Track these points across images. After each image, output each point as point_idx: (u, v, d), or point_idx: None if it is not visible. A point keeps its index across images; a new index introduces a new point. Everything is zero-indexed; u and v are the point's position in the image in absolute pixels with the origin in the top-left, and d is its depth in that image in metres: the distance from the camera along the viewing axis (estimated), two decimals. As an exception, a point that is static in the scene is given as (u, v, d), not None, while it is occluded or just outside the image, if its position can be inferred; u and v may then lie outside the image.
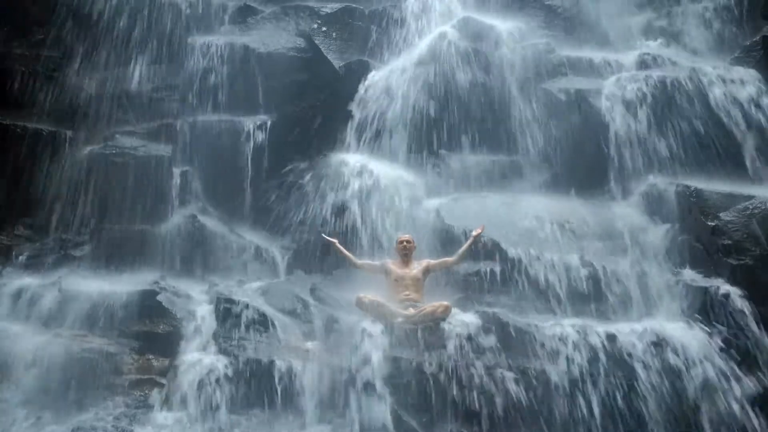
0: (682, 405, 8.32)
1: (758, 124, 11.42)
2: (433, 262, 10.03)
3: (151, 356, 9.18)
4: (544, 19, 14.20)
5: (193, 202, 11.86)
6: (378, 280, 10.05)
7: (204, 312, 9.53)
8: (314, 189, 11.73)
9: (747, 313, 8.94)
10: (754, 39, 12.52)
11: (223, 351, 8.91)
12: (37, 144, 11.71)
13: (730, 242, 9.60)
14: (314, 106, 12.82)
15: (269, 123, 12.59)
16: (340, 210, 11.31)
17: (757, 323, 8.88)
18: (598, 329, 8.86)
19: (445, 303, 9.19)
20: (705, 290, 9.26)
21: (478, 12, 13.93)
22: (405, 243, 10.09)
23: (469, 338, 8.73)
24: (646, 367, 8.53)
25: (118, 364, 9.05)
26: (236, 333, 9.14)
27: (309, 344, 9.24)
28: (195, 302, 9.84)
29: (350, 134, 12.42)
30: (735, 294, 9.09)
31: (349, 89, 12.81)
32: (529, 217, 10.85)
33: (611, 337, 8.75)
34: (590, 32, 14.12)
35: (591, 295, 9.79)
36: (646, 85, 12.02)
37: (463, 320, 8.97)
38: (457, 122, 12.44)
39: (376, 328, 8.92)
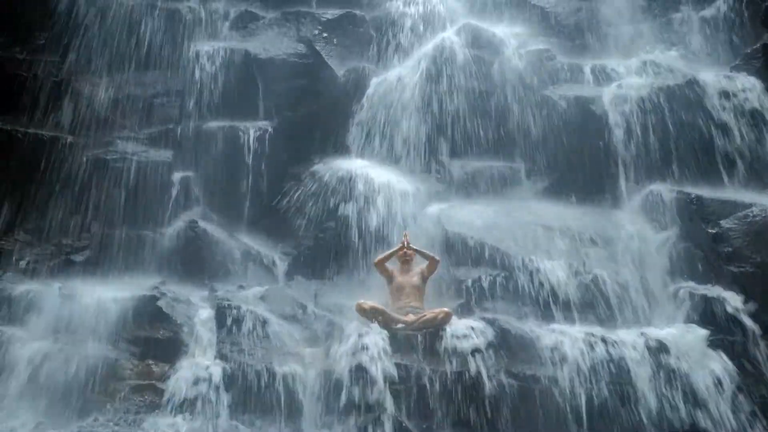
0: (682, 411, 8.31)
1: (759, 131, 11.43)
2: (423, 267, 10.01)
3: (151, 361, 9.16)
4: (545, 25, 14.23)
5: (194, 208, 11.83)
6: (379, 286, 10.05)
7: (204, 317, 9.53)
8: (315, 195, 11.71)
9: (747, 320, 8.95)
10: (755, 47, 12.53)
11: (223, 356, 8.88)
12: (37, 149, 11.69)
13: (730, 249, 9.62)
14: (315, 112, 12.81)
15: (270, 129, 12.57)
16: (341, 216, 11.31)
17: (758, 330, 8.90)
18: (599, 336, 8.86)
19: (446, 309, 9.17)
20: (705, 297, 9.28)
21: (478, 18, 13.96)
22: (405, 250, 10.09)
23: (470, 345, 8.73)
24: (646, 373, 8.53)
25: (118, 370, 9.03)
26: (236, 338, 9.13)
27: (309, 350, 9.23)
28: (195, 307, 9.82)
29: (351, 140, 12.44)
30: (735, 301, 9.11)
31: (350, 95, 12.84)
32: (530, 223, 10.87)
33: (611, 344, 8.76)
34: (591, 39, 14.15)
35: (591, 302, 9.78)
36: (646, 92, 12.05)
37: (464, 326, 8.95)
38: (458, 129, 12.46)
39: (376, 335, 8.89)
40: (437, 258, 10.03)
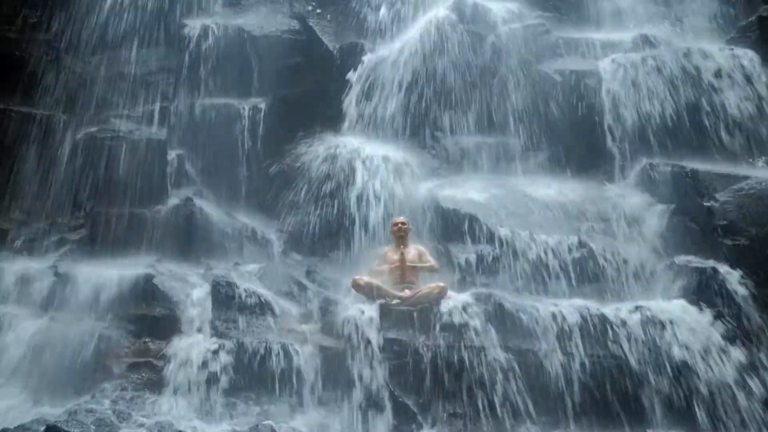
0: (676, 384, 8.35)
1: (754, 104, 11.40)
2: (427, 258, 9.88)
3: (147, 339, 9.18)
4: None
5: (189, 185, 11.83)
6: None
7: (200, 295, 9.56)
8: (310, 171, 11.71)
9: (742, 293, 8.97)
10: (750, 19, 12.50)
11: (219, 334, 8.92)
12: (32, 128, 11.67)
13: (725, 223, 9.63)
14: (309, 89, 12.77)
15: (264, 106, 12.57)
16: (336, 192, 11.30)
17: (753, 303, 8.92)
18: (593, 309, 8.88)
19: (441, 284, 9.16)
20: (700, 271, 9.29)
21: (473, -7, 13.88)
22: (400, 225, 10.05)
23: (465, 319, 8.74)
24: (640, 346, 8.57)
25: (115, 348, 9.04)
26: (232, 316, 9.15)
27: (305, 326, 9.25)
28: (191, 285, 9.85)
29: (345, 116, 12.40)
30: (730, 274, 9.12)
31: (344, 71, 12.78)
32: (525, 198, 10.87)
33: (606, 318, 8.78)
34: (586, 13, 14.07)
35: (586, 276, 9.82)
36: (642, 65, 12.02)
37: (459, 301, 8.96)
38: (453, 104, 12.42)
39: (372, 310, 8.91)
40: (436, 266, 9.90)
